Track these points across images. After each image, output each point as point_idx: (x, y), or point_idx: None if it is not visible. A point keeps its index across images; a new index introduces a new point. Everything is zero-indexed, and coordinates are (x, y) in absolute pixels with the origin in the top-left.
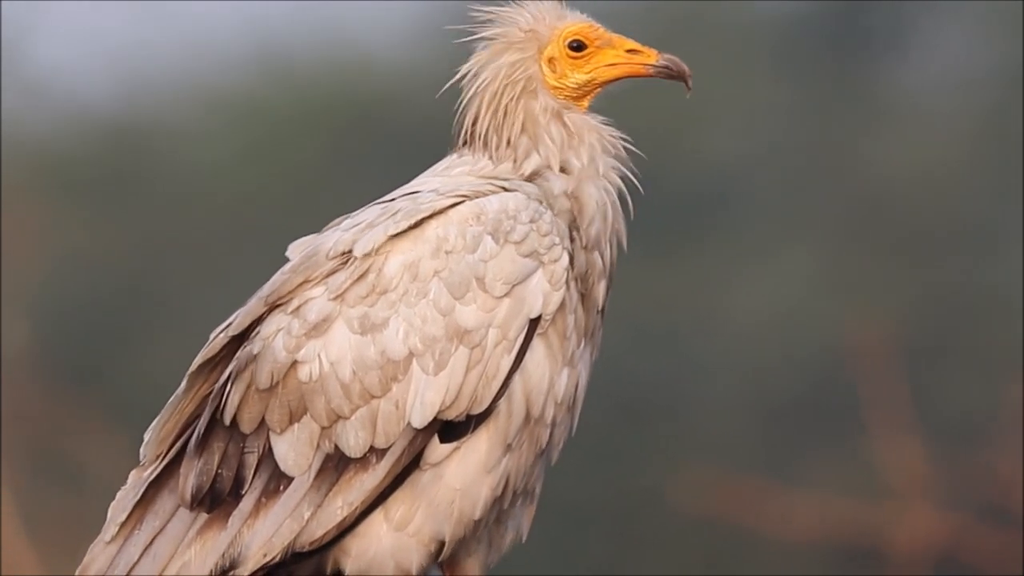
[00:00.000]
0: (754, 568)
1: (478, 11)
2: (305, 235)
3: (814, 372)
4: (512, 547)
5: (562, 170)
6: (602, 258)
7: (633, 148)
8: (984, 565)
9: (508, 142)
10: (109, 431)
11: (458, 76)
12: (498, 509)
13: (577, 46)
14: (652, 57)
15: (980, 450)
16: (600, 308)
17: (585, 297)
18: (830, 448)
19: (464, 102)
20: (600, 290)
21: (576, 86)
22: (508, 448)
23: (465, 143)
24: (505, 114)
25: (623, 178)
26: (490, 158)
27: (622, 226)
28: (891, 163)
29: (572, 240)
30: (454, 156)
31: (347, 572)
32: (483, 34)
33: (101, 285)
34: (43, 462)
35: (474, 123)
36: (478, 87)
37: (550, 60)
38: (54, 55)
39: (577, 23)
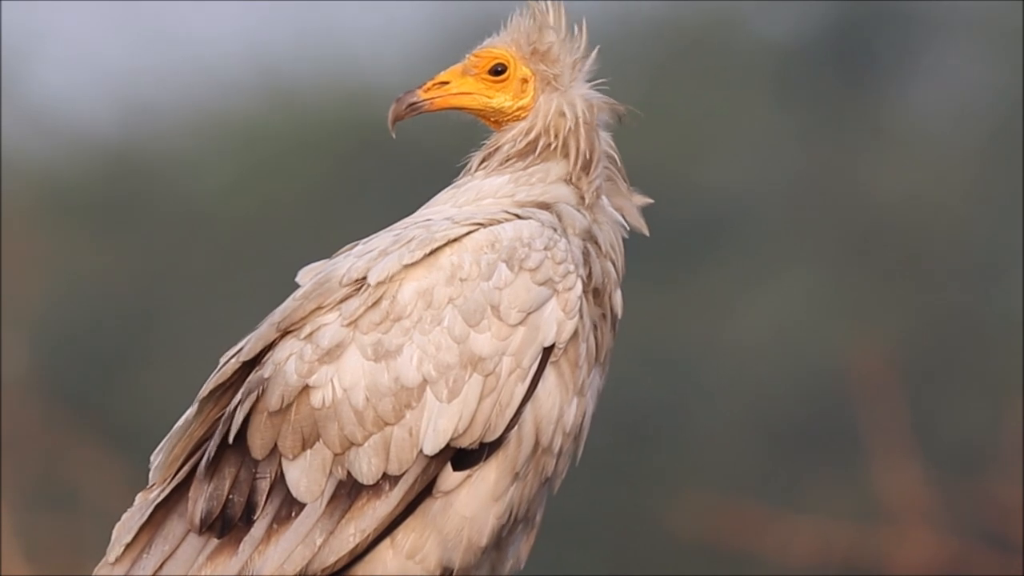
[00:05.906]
0: None
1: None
2: (307, 260)
3: (815, 396)
4: (511, 574)
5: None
6: (615, 266)
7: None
8: None
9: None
10: (107, 456)
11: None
12: (499, 536)
13: None
14: None
15: (979, 475)
16: (618, 318)
17: (603, 314)
18: (830, 472)
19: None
20: (617, 298)
21: None
22: (516, 477)
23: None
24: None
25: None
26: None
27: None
28: (892, 188)
29: (588, 255)
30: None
31: None
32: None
33: (100, 310)
34: (41, 487)
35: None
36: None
37: None
38: (55, 81)
39: None
